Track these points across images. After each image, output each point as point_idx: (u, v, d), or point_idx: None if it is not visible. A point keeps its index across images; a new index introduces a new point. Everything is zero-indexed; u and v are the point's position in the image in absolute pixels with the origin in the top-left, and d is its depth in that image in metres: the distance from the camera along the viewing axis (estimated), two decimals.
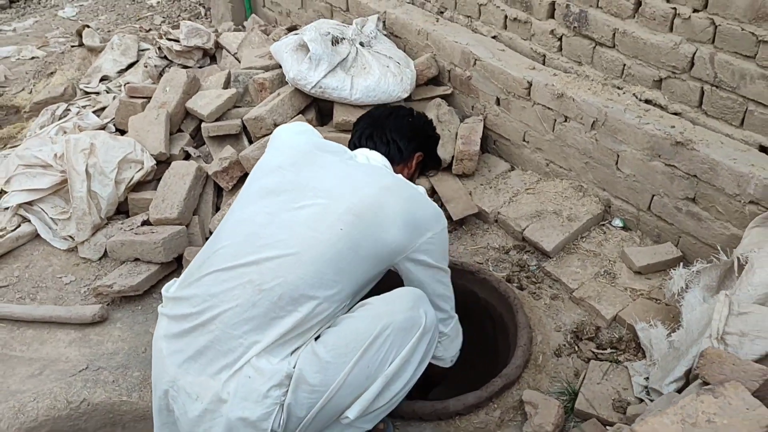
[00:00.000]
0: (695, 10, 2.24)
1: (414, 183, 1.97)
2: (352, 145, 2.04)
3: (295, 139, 1.86)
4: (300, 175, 1.76)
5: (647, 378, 2.06)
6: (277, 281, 1.61)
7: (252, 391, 1.58)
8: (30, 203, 2.90)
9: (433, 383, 2.19)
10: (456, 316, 1.97)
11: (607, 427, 1.87)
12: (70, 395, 2.20)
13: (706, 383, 1.64)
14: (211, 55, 3.71)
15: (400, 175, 1.90)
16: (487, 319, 2.49)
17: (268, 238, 1.65)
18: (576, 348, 2.24)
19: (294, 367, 1.61)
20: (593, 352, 2.21)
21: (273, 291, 1.60)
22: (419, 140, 2.07)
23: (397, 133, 2.02)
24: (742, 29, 2.12)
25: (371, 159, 1.93)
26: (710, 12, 2.20)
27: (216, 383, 1.61)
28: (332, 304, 1.65)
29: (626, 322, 2.24)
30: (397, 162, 2.00)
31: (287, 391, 1.60)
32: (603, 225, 2.64)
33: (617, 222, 2.62)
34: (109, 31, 4.71)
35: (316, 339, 1.67)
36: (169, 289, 1.82)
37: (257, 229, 1.68)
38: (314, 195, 1.69)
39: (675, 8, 2.28)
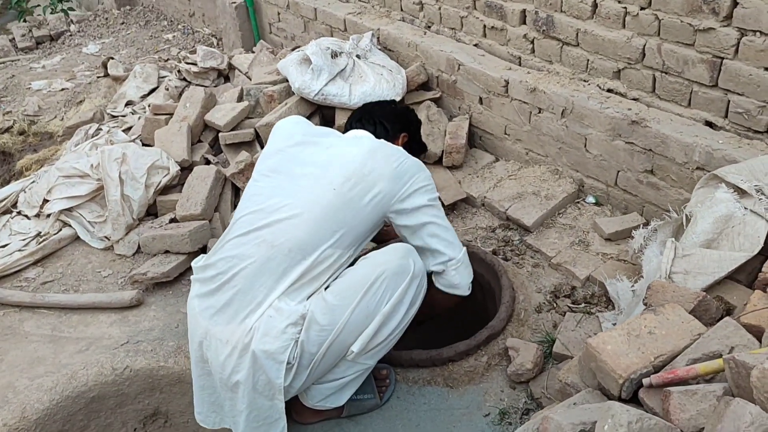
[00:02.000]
0: (642, 8, 2.58)
1: None
2: (345, 130, 2.38)
3: (291, 127, 2.21)
4: (297, 154, 2.11)
5: (614, 324, 2.36)
6: (286, 236, 1.95)
7: (272, 328, 1.90)
8: (70, 209, 3.26)
9: (434, 314, 2.40)
10: (463, 246, 2.18)
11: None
12: (114, 363, 2.52)
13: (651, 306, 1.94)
14: (225, 75, 4.12)
15: (383, 140, 2.22)
16: (477, 287, 2.80)
17: (276, 205, 2.01)
18: (554, 305, 2.55)
19: (308, 309, 1.94)
20: (569, 307, 2.52)
21: (283, 246, 1.95)
22: (403, 122, 2.45)
23: (383, 116, 2.38)
24: (681, 21, 2.46)
25: (358, 134, 2.26)
26: (654, 8, 2.54)
27: (243, 327, 1.94)
28: (336, 250, 1.98)
29: (597, 280, 2.55)
30: (384, 139, 2.28)
31: (301, 329, 1.93)
32: (578, 202, 2.97)
33: (590, 199, 2.94)
34: (130, 63, 5.14)
35: (326, 289, 2.01)
36: (198, 261, 2.17)
37: (266, 199, 2.03)
38: (309, 166, 2.05)
39: (625, 7, 2.63)
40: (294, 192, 2.04)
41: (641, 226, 2.56)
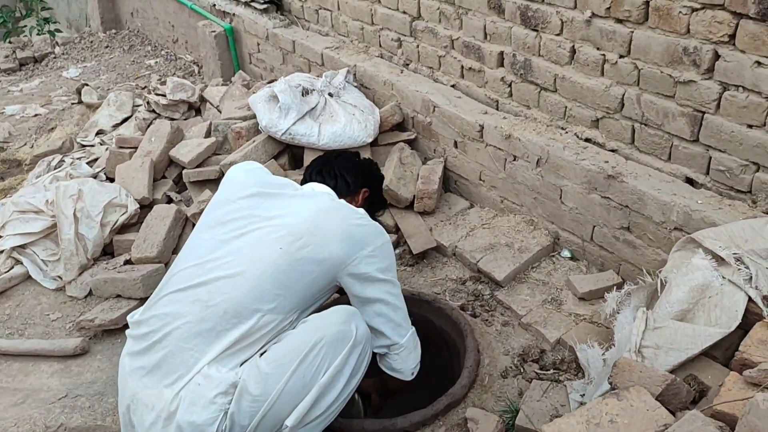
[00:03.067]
0: (621, 56, 2.45)
1: None
2: (303, 182, 2.24)
3: (243, 175, 2.07)
4: (246, 206, 1.97)
5: (583, 395, 2.19)
6: (223, 297, 1.80)
7: (200, 397, 1.75)
8: (23, 246, 3.10)
9: (392, 392, 2.33)
10: (412, 328, 2.09)
11: None
12: (48, 420, 2.35)
13: (614, 389, 1.78)
14: (196, 108, 3.99)
15: (341, 200, 2.10)
16: (443, 345, 2.64)
17: (216, 261, 1.86)
18: (521, 370, 2.38)
19: (240, 378, 1.78)
20: (537, 373, 2.35)
21: (219, 306, 1.79)
22: (365, 177, 2.31)
23: (344, 169, 2.26)
24: (661, 72, 2.33)
25: (316, 189, 2.13)
26: (633, 57, 2.41)
27: (170, 392, 1.78)
28: (276, 315, 1.83)
29: (568, 344, 2.39)
30: (345, 195, 2.19)
31: (232, 399, 1.76)
32: (552, 256, 2.81)
33: (565, 253, 2.78)
34: (108, 89, 5.02)
35: (261, 355, 1.84)
36: (134, 315, 2.02)
37: (206, 253, 1.88)
38: (257, 222, 1.90)
39: (604, 54, 2.50)
40: (237, 248, 1.89)
41: (615, 287, 2.40)
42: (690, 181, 2.39)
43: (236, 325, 1.81)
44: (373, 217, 2.20)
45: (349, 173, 2.26)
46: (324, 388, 1.83)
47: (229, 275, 1.84)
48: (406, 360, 2.07)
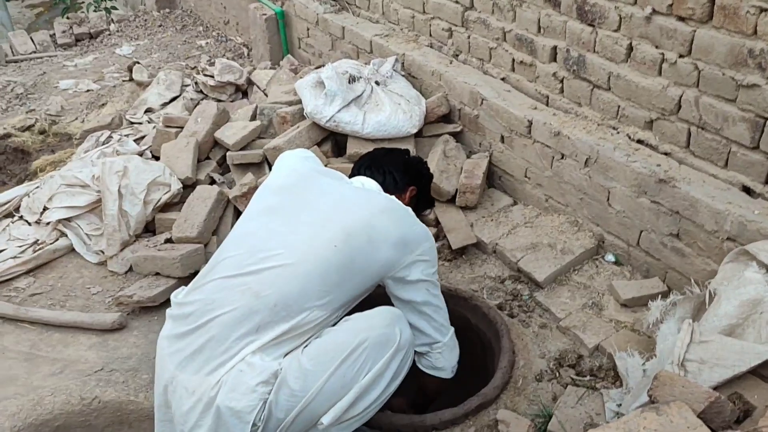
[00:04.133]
0: (681, 56, 2.35)
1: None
2: (351, 176, 2.22)
3: (298, 163, 2.06)
4: (300, 196, 1.96)
5: (620, 405, 2.13)
6: (273, 289, 1.78)
7: (241, 383, 1.74)
8: (68, 219, 3.16)
9: (430, 399, 2.31)
10: (452, 327, 2.09)
11: None
12: (83, 392, 2.40)
13: (654, 402, 1.71)
14: (243, 91, 4.00)
15: (392, 197, 2.07)
16: (478, 344, 2.60)
17: (268, 251, 1.84)
18: (557, 374, 2.32)
19: (281, 368, 1.77)
20: (572, 379, 2.29)
21: (269, 298, 1.78)
22: (413, 174, 2.28)
23: (393, 166, 2.23)
24: (723, 74, 2.23)
25: (366, 185, 2.11)
26: (694, 57, 2.31)
27: (210, 380, 1.77)
28: (323, 312, 1.82)
29: (607, 351, 2.32)
30: (392, 192, 2.17)
31: (272, 389, 1.75)
32: (596, 259, 2.73)
33: (609, 257, 2.70)
34: (159, 68, 5.07)
35: (304, 349, 1.83)
36: (178, 295, 2.02)
37: (258, 242, 1.87)
38: (312, 214, 1.89)
39: (663, 53, 2.40)
40: (291, 239, 1.87)
41: (660, 296, 2.32)
42: (747, 190, 2.29)
43: (285, 319, 1.79)
44: (420, 215, 2.17)
45: (398, 170, 2.22)
46: (364, 389, 1.82)
47: (281, 265, 1.82)
48: (448, 358, 2.07)
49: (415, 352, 2.03)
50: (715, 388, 1.79)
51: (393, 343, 1.88)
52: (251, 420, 1.74)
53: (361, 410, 1.86)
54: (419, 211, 2.31)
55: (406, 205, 2.13)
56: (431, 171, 2.87)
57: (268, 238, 1.89)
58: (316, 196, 1.96)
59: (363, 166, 2.25)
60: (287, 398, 1.76)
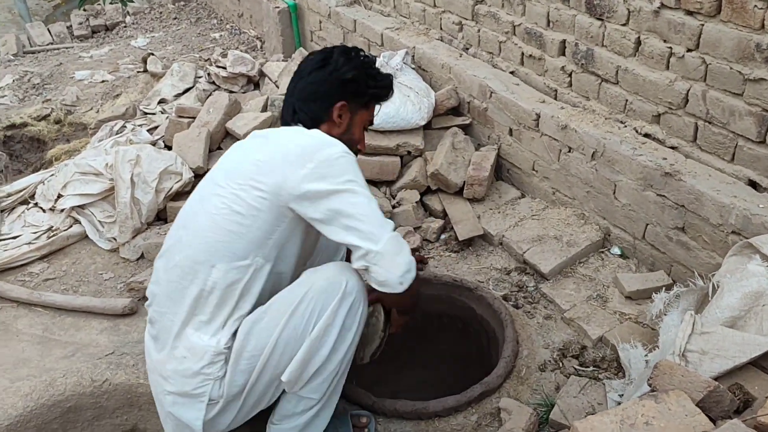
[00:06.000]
0: (688, 50, 2.36)
1: (356, 130, 1.95)
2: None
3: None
4: (217, 165, 1.91)
5: (622, 395, 2.14)
6: (181, 255, 1.79)
7: (187, 369, 1.77)
8: (82, 207, 3.22)
9: (394, 332, 2.10)
10: (388, 234, 1.71)
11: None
12: (94, 375, 2.45)
13: (653, 391, 1.73)
14: (255, 82, 4.04)
15: (290, 127, 1.89)
16: (483, 333, 2.62)
17: (181, 220, 1.88)
18: (560, 364, 2.34)
19: (225, 345, 1.76)
20: (575, 369, 2.31)
21: (178, 266, 1.79)
22: (328, 95, 1.89)
23: (301, 100, 1.92)
24: (731, 68, 2.23)
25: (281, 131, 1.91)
26: (702, 51, 2.31)
27: (166, 359, 1.81)
28: (229, 264, 1.74)
29: (610, 343, 2.33)
30: (313, 126, 1.88)
31: (222, 365, 1.76)
32: (602, 252, 2.75)
33: (615, 250, 2.71)
34: (173, 60, 5.13)
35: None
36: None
37: (180, 214, 1.91)
38: (212, 177, 1.86)
39: (670, 47, 2.41)
40: (195, 207, 1.85)
41: (665, 289, 2.33)
42: (753, 184, 2.29)
43: (192, 281, 1.76)
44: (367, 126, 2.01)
45: (306, 102, 1.90)
46: (316, 341, 1.76)
47: (185, 232, 1.82)
48: (387, 267, 1.69)
49: (360, 272, 1.80)
50: (716, 379, 1.80)
51: (338, 290, 1.76)
52: (206, 398, 1.77)
53: (319, 364, 1.79)
54: (370, 104, 2.00)
55: (344, 121, 1.92)
56: (438, 162, 2.85)
57: (185, 208, 1.89)
58: (223, 160, 1.89)
59: (282, 112, 2.02)
60: (246, 362, 1.76)
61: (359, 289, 1.81)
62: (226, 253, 1.74)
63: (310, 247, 1.96)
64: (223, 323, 1.78)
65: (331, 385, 1.87)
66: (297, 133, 1.81)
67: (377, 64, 3.17)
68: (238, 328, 1.78)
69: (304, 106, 1.90)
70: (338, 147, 1.74)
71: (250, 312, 1.80)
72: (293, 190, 1.69)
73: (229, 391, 1.78)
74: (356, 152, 1.94)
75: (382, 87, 1.99)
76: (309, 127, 1.85)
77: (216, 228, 1.74)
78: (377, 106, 2.05)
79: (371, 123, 2.07)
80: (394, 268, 1.70)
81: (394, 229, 1.76)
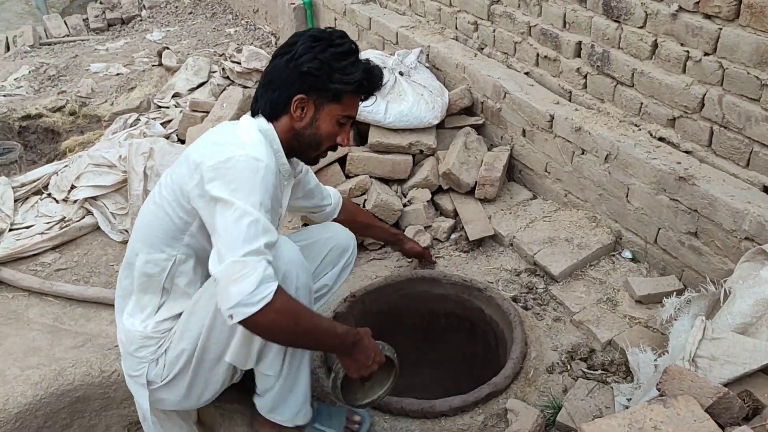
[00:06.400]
0: (706, 54, 2.34)
1: (323, 125, 1.80)
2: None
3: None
4: None
5: (630, 399, 2.13)
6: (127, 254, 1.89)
7: (125, 353, 1.91)
8: (94, 198, 3.24)
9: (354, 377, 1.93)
10: (234, 257, 1.53)
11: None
12: (103, 365, 2.46)
13: (662, 395, 1.72)
14: None
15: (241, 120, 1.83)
16: (491, 334, 2.62)
17: None
18: (568, 367, 2.34)
19: (153, 330, 1.84)
20: (584, 372, 2.30)
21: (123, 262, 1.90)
22: (285, 86, 1.76)
23: (261, 87, 1.81)
24: (748, 73, 2.21)
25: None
26: (719, 56, 2.29)
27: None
28: (150, 251, 1.80)
29: (619, 346, 2.32)
30: (272, 116, 1.80)
31: (155, 349, 1.85)
32: (613, 255, 2.73)
33: (627, 254, 2.70)
34: (188, 54, 5.15)
35: None
36: None
37: None
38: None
39: (687, 51, 2.39)
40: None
41: (675, 293, 2.32)
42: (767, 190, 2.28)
43: (127, 269, 1.87)
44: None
45: (264, 88, 1.80)
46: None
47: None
48: (220, 296, 1.55)
49: None
50: (726, 385, 1.78)
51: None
52: (144, 381, 1.87)
53: (261, 342, 1.76)
54: (340, 97, 1.80)
55: (304, 121, 1.79)
56: (450, 162, 2.84)
57: None
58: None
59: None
60: (186, 342, 1.80)
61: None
62: (146, 243, 1.80)
63: None
64: (154, 311, 1.85)
65: (284, 361, 1.84)
66: (222, 130, 1.79)
67: (391, 62, 3.17)
68: (173, 315, 1.85)
69: (264, 94, 1.79)
70: (241, 151, 1.62)
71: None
72: (190, 188, 1.66)
73: (169, 371, 1.84)
74: (329, 149, 1.88)
75: (348, 82, 1.76)
76: (269, 118, 1.78)
77: (143, 220, 1.83)
78: (368, 99, 1.90)
79: (351, 117, 1.86)
80: (223, 297, 1.54)
81: (269, 247, 1.60)
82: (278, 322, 1.57)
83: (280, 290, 1.57)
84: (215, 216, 1.59)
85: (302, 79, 1.74)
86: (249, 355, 1.80)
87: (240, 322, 1.54)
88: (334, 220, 2.37)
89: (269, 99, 1.78)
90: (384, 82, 3.04)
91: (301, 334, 1.66)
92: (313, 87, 1.76)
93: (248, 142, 1.67)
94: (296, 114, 1.78)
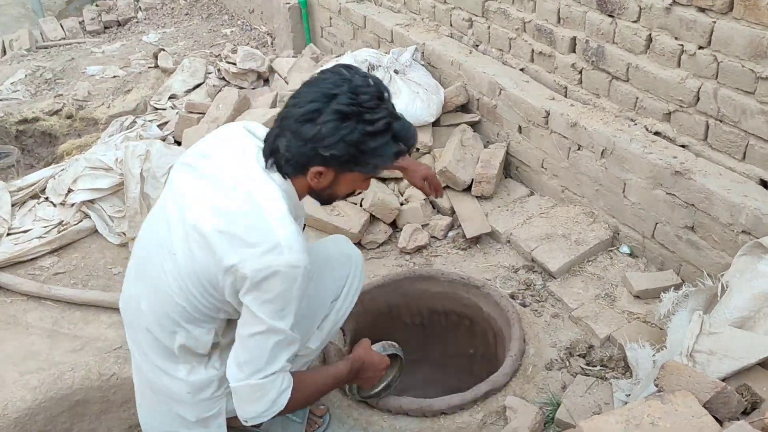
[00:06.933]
0: (700, 47, 2.33)
1: (341, 188, 1.65)
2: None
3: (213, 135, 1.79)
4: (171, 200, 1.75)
5: (629, 395, 2.13)
6: (142, 323, 1.78)
7: (191, 403, 1.81)
8: (92, 201, 3.24)
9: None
10: (253, 380, 1.58)
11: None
12: (102, 368, 2.46)
13: (660, 391, 1.72)
14: (265, 78, 4.04)
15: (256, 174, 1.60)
16: (490, 331, 2.61)
17: (140, 270, 1.82)
18: (567, 363, 2.33)
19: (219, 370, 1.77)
20: (582, 368, 2.30)
21: (147, 329, 1.77)
22: (303, 157, 1.53)
23: (277, 140, 1.56)
24: (743, 66, 2.21)
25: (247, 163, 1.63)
26: (713, 49, 2.29)
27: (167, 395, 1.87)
28: (193, 332, 1.71)
29: (618, 342, 2.32)
30: (288, 171, 1.59)
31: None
32: (611, 251, 2.73)
33: (624, 249, 2.70)
34: (184, 56, 5.14)
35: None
36: None
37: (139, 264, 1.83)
38: (167, 219, 1.69)
39: (682, 45, 2.39)
40: (146, 247, 1.76)
41: (673, 288, 2.31)
42: (764, 184, 2.27)
43: (161, 340, 1.76)
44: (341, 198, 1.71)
45: (285, 145, 1.53)
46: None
47: (141, 294, 1.76)
48: (238, 405, 1.63)
49: None
50: (724, 380, 1.78)
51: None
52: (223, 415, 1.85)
53: None
54: (338, 196, 1.69)
55: (322, 184, 1.60)
56: (447, 160, 2.81)
57: (139, 262, 1.81)
58: (179, 197, 1.67)
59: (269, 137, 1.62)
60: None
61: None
62: (181, 322, 1.67)
63: None
64: (208, 358, 1.77)
65: None
66: (246, 204, 1.54)
67: (386, 61, 3.13)
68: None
69: (280, 151, 1.55)
70: (279, 259, 1.49)
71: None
72: (224, 286, 1.56)
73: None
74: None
75: (381, 162, 1.57)
76: (283, 172, 1.58)
77: (166, 298, 1.65)
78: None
79: (370, 178, 1.70)
80: (239, 408, 1.63)
81: (291, 360, 1.62)
82: (290, 407, 1.66)
83: (292, 387, 1.64)
84: (244, 323, 1.57)
85: (324, 159, 1.53)
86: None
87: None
88: None
89: (285, 160, 1.55)
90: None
91: (312, 400, 1.89)
92: (336, 165, 1.55)
93: (282, 234, 1.50)
94: (313, 181, 1.58)
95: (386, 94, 1.58)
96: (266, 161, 1.59)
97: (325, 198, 1.70)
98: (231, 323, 1.72)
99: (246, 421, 1.64)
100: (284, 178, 1.59)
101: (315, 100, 1.51)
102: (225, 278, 1.53)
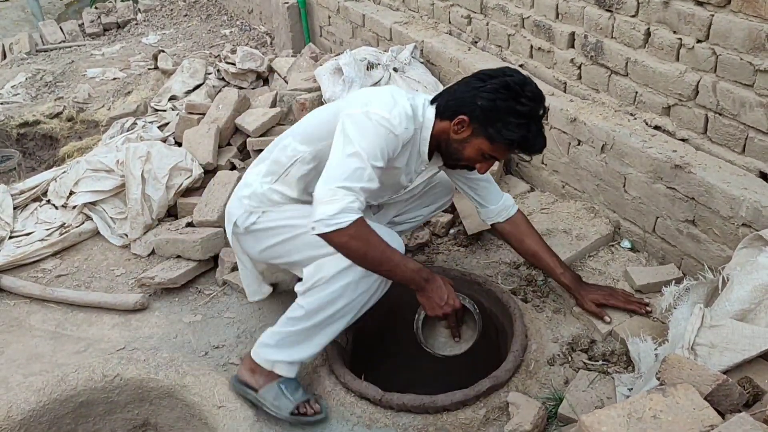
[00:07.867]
0: (698, 41, 2.33)
1: (468, 150, 2.02)
2: None
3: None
4: None
5: (631, 389, 2.13)
6: None
7: (236, 193, 2.29)
8: (93, 203, 3.25)
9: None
10: (329, 186, 1.86)
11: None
12: (106, 369, 2.47)
13: (662, 384, 1.72)
14: (264, 78, 4.05)
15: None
16: (492, 328, 2.62)
17: None
18: (569, 358, 2.33)
19: (261, 191, 2.20)
20: (585, 363, 2.30)
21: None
22: (460, 102, 2.00)
23: (450, 89, 2.09)
24: (741, 59, 2.21)
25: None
26: (712, 42, 2.29)
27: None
28: (291, 141, 2.19)
29: (620, 336, 2.32)
30: (440, 116, 2.05)
31: (257, 206, 2.19)
32: (612, 246, 2.73)
33: (625, 243, 2.70)
34: (183, 57, 5.15)
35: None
36: None
37: None
38: None
39: (680, 39, 2.39)
40: None
41: (674, 282, 2.31)
42: (764, 176, 2.27)
43: (272, 146, 2.28)
44: (467, 166, 2.13)
45: (451, 90, 2.07)
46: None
47: None
48: (315, 208, 1.87)
49: None
50: (725, 372, 1.78)
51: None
52: (233, 220, 2.23)
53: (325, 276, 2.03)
54: (502, 153, 2.07)
55: (457, 136, 2.02)
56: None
57: None
58: None
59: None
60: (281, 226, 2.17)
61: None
62: (296, 136, 2.17)
63: None
64: (271, 181, 2.18)
65: (320, 306, 2.03)
66: (392, 91, 2.05)
67: (385, 59, 3.17)
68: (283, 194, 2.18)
69: (447, 95, 2.06)
70: (386, 114, 1.92)
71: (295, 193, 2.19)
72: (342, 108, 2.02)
73: (257, 226, 2.19)
74: (466, 167, 2.15)
75: (502, 135, 1.96)
76: (438, 112, 2.05)
77: (302, 125, 2.24)
78: (519, 153, 2.36)
79: (496, 158, 2.08)
80: (315, 211, 1.87)
81: (365, 192, 1.89)
82: (350, 245, 1.88)
83: (359, 221, 1.86)
84: (337, 145, 1.91)
85: (473, 107, 1.96)
86: (313, 278, 2.03)
87: (319, 235, 1.86)
88: (496, 228, 2.51)
89: (446, 101, 2.03)
90: (378, 80, 3.05)
91: (372, 259, 1.94)
92: (477, 118, 1.97)
93: (394, 113, 1.94)
94: (454, 128, 2.00)
95: (546, 105, 2.06)
96: (434, 98, 2.08)
97: (453, 153, 2.06)
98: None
99: (313, 227, 1.86)
100: (436, 114, 2.05)
101: (493, 76, 2.00)
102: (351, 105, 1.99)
